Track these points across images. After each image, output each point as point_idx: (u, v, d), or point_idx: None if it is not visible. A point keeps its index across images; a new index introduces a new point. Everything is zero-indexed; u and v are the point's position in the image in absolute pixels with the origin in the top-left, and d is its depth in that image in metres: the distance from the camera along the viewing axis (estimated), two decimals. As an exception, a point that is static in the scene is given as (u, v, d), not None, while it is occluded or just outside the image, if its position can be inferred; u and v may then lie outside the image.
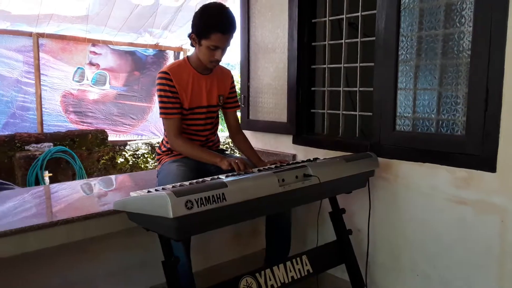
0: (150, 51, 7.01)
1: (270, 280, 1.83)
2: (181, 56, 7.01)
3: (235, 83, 2.48)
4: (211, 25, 2.03)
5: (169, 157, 2.26)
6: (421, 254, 2.10)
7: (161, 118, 2.22)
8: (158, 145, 2.48)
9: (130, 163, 5.98)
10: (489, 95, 1.80)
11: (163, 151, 2.32)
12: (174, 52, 7.28)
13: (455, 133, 1.98)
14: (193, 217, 1.38)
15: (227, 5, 2.14)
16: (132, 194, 1.59)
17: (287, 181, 1.67)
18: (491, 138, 1.80)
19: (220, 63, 2.26)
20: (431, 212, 2.04)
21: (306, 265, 1.97)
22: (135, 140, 6.53)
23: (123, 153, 6.08)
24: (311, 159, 2.12)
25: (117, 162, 5.95)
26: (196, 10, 2.13)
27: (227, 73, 2.40)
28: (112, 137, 6.47)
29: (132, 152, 6.11)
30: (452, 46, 1.95)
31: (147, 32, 6.50)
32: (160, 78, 2.16)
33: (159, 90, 2.16)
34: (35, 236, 1.69)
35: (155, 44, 6.92)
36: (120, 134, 6.71)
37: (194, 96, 2.21)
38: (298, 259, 1.96)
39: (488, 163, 1.82)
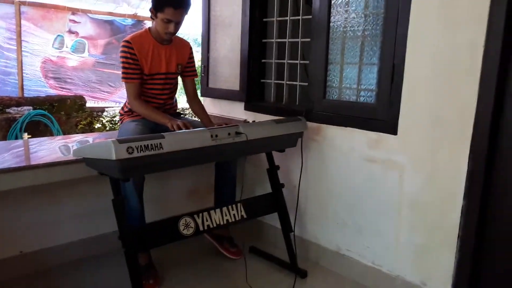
0: (129, 21, 7.21)
1: (207, 221, 2.19)
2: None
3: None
4: (164, 0, 2.30)
5: (130, 117, 2.56)
6: (341, 205, 2.47)
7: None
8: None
9: (107, 128, 6.26)
10: (395, 69, 2.14)
11: (125, 112, 2.61)
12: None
13: (370, 102, 2.33)
14: (133, 161, 1.71)
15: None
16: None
17: (219, 136, 2.01)
18: (394, 106, 2.15)
19: (181, 35, 2.54)
20: (350, 169, 2.41)
21: (241, 211, 2.33)
22: (112, 107, 6.79)
23: (100, 119, 6.35)
24: (248, 121, 2.45)
25: (94, 127, 6.22)
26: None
27: (185, 44, 2.68)
28: (90, 103, 6.74)
29: (109, 118, 6.38)
30: (370, 28, 2.28)
31: (125, 2, 6.70)
32: (122, 46, 2.43)
33: (122, 57, 2.44)
34: (6, 177, 2.01)
35: (133, 14, 7.13)
36: (98, 100, 6.97)
37: (153, 63, 2.48)
38: (234, 205, 2.32)
39: (391, 127, 2.18)
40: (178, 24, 2.40)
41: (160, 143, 1.78)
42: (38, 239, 2.43)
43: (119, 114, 2.72)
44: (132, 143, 1.70)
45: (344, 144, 2.42)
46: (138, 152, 1.71)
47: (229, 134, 2.05)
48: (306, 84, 2.61)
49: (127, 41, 2.42)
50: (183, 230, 2.08)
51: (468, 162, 1.92)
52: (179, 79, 2.72)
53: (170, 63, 2.54)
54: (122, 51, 2.42)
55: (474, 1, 1.83)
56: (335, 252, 2.53)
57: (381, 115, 2.23)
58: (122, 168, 1.71)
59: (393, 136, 2.18)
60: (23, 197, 2.34)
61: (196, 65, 2.76)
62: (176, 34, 2.49)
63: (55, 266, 2.44)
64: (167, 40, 2.48)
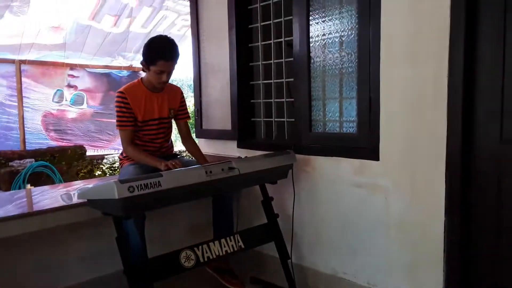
0: (124, 72, 7.56)
1: (206, 252, 2.31)
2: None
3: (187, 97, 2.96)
4: (156, 54, 2.50)
5: (129, 161, 2.73)
6: (334, 230, 2.60)
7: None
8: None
9: (108, 175, 6.42)
10: (372, 101, 2.33)
11: (124, 157, 2.78)
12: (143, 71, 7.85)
13: (351, 132, 2.51)
14: (135, 199, 1.86)
15: (172, 36, 2.65)
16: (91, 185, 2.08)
17: (213, 172, 2.17)
18: (374, 134, 2.33)
19: (171, 81, 2.74)
20: (339, 195, 2.55)
21: (239, 242, 2.45)
22: (112, 154, 7.00)
23: (100, 166, 6.53)
24: (241, 157, 2.62)
25: (95, 174, 6.39)
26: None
27: (176, 90, 2.88)
28: (90, 152, 6.96)
29: (109, 165, 6.55)
30: (347, 66, 2.49)
31: (120, 56, 7.07)
32: (117, 96, 2.63)
33: (116, 106, 2.63)
34: (15, 223, 2.14)
35: (128, 66, 7.47)
36: (98, 149, 7.19)
37: (147, 111, 2.66)
38: (232, 237, 2.44)
39: (373, 153, 2.35)
40: (170, 74, 2.60)
41: (159, 181, 1.93)
42: (44, 282, 2.52)
43: (119, 159, 2.88)
44: (132, 182, 1.86)
45: (331, 172, 2.58)
46: (138, 190, 1.86)
47: (222, 169, 2.21)
48: (293, 120, 2.80)
49: (121, 92, 2.61)
50: (184, 262, 2.20)
51: (446, 181, 2.08)
52: (174, 122, 2.90)
53: (162, 108, 2.72)
54: (117, 101, 2.61)
55: (435, 39, 2.05)
56: (332, 275, 2.63)
57: (363, 143, 2.41)
58: (124, 206, 1.86)
59: (375, 162, 2.35)
60: (28, 242, 2.46)
61: (191, 109, 2.96)
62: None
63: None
64: (159, 88, 2.67)
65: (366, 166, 2.40)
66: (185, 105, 2.91)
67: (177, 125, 2.92)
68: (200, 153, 2.84)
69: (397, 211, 2.28)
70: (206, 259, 2.29)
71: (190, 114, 2.97)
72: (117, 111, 2.61)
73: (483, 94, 1.98)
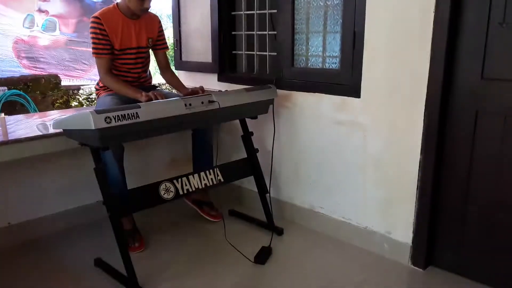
0: (99, -2, 7.16)
1: (186, 185, 2.32)
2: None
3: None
4: None
5: (105, 91, 2.64)
6: (312, 166, 2.64)
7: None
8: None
9: (84, 106, 6.29)
10: (356, 37, 2.28)
11: (101, 87, 2.69)
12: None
13: (334, 68, 2.47)
14: (111, 130, 1.82)
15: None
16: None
17: (193, 105, 2.13)
18: (356, 70, 2.30)
19: (153, 11, 2.61)
20: (319, 132, 2.57)
21: (218, 175, 2.47)
22: (88, 84, 6.80)
23: (77, 97, 6.37)
24: (221, 90, 2.58)
25: (71, 105, 6.24)
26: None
27: (154, 18, 2.74)
28: (65, 82, 6.73)
29: (86, 96, 6.39)
30: (332, 0, 2.40)
31: (95, -22, 6.64)
32: (92, 22, 2.48)
33: (91, 33, 2.49)
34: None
35: (104, -10, 7.06)
36: (73, 79, 6.95)
37: (124, 39, 2.54)
38: (211, 170, 2.45)
39: (355, 91, 2.33)
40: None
41: (137, 113, 1.89)
42: (25, 211, 2.54)
43: (95, 90, 2.80)
44: (109, 113, 1.81)
45: (312, 109, 2.57)
46: (115, 121, 1.82)
47: (202, 102, 2.17)
48: (276, 53, 2.73)
49: (96, 17, 2.47)
50: (163, 194, 2.22)
51: (424, 120, 2.10)
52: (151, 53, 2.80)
53: (140, 37, 2.60)
54: (92, 27, 2.48)
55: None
56: (309, 210, 2.71)
57: (345, 80, 2.38)
58: (101, 137, 1.82)
59: (356, 99, 2.34)
60: (7, 172, 2.44)
61: (170, 40, 2.84)
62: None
63: (42, 237, 2.57)
64: (138, 15, 2.54)
65: (347, 103, 2.39)
66: (163, 34, 2.80)
67: (155, 56, 2.82)
68: (180, 83, 2.77)
69: (375, 149, 2.32)
70: (185, 192, 2.31)
71: (169, 45, 2.86)
72: (93, 38, 2.48)
73: (468, 31, 1.95)
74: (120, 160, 2.41)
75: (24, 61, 6.56)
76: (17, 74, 6.35)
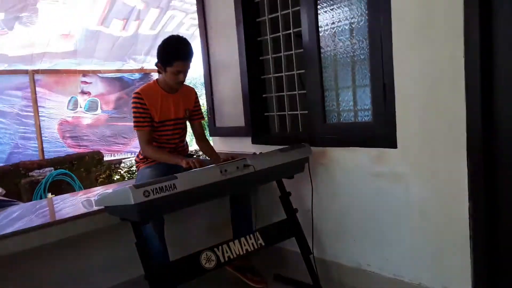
0: (136, 75, 7.59)
1: (227, 252, 2.28)
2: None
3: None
4: (172, 55, 2.49)
5: (145, 164, 2.72)
6: (355, 222, 2.55)
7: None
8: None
9: (126, 179, 6.46)
10: (386, 88, 2.27)
11: (140, 159, 2.78)
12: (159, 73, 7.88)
13: (367, 121, 2.45)
14: (150, 203, 1.84)
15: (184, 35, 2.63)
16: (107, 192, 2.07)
17: (229, 171, 2.14)
18: (390, 121, 2.27)
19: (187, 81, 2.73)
20: (358, 186, 2.50)
21: (259, 239, 2.42)
22: (128, 157, 7.05)
23: (118, 170, 6.58)
24: (256, 153, 2.59)
25: (113, 179, 6.43)
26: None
27: (190, 90, 2.86)
28: (107, 157, 7.03)
29: (127, 169, 6.60)
30: (358, 53, 2.43)
31: (131, 59, 7.10)
32: (133, 97, 2.62)
33: (133, 107, 2.62)
34: (37, 234, 2.16)
35: (140, 68, 7.50)
36: (115, 153, 7.25)
37: (163, 111, 2.65)
38: (251, 235, 2.41)
39: (390, 141, 2.28)
40: (186, 73, 2.60)
41: (174, 184, 1.91)
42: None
43: (135, 162, 2.88)
44: (147, 187, 1.84)
45: (349, 163, 2.52)
46: (154, 194, 1.84)
47: (237, 167, 2.18)
48: (307, 112, 2.75)
49: (137, 93, 2.61)
50: (205, 264, 2.18)
51: (467, 164, 2.01)
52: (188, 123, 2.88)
53: (178, 109, 2.71)
54: (133, 102, 2.61)
55: (448, 18, 1.97)
56: (356, 268, 2.58)
57: (379, 132, 2.34)
58: (140, 211, 1.84)
59: (393, 149, 2.28)
60: (52, 252, 2.48)
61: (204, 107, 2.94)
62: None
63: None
64: (176, 88, 2.66)
65: (384, 155, 2.34)
66: (199, 105, 2.90)
67: (192, 126, 2.91)
68: (214, 152, 2.82)
69: (419, 198, 2.22)
70: (226, 259, 2.26)
71: (204, 114, 2.95)
72: (134, 112, 2.61)
73: (502, 71, 1.90)
74: (161, 233, 2.41)
75: (69, 141, 6.94)
76: (62, 154, 6.69)
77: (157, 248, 2.38)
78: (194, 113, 2.84)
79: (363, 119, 2.48)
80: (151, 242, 2.36)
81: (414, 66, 2.13)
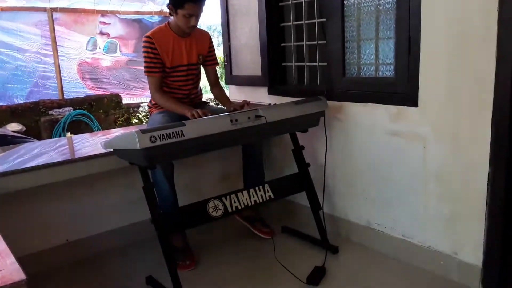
0: (156, 18, 7.41)
1: (234, 202, 2.27)
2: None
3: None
4: None
5: (157, 109, 2.68)
6: (368, 180, 2.49)
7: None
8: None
9: (144, 123, 6.49)
10: (411, 41, 2.12)
11: (153, 105, 2.73)
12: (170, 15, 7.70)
13: (389, 76, 2.32)
14: (157, 149, 1.81)
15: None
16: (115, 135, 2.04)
17: (239, 120, 2.07)
18: (413, 78, 2.14)
19: (199, 26, 2.62)
20: (374, 144, 2.42)
21: (268, 191, 2.39)
22: (147, 102, 7.03)
23: (137, 114, 6.59)
24: (271, 104, 2.50)
25: (132, 122, 6.47)
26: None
27: (205, 34, 2.75)
28: (126, 100, 7.03)
29: (145, 113, 6.60)
30: (384, 2, 2.26)
31: (150, 0, 6.89)
32: (144, 41, 2.54)
33: (144, 52, 2.55)
34: (48, 172, 2.18)
35: (159, 11, 7.30)
36: (134, 97, 7.24)
37: (175, 56, 2.56)
38: (260, 186, 2.38)
39: (412, 100, 2.17)
40: (198, 17, 2.48)
41: (181, 131, 1.86)
42: (82, 228, 2.60)
43: (148, 107, 2.84)
44: (154, 132, 1.80)
45: (366, 120, 2.43)
46: (160, 140, 1.80)
47: (248, 117, 2.11)
48: (326, 64, 2.62)
49: (148, 37, 2.52)
50: (212, 212, 2.17)
51: (491, 129, 1.89)
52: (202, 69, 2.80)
53: (191, 54, 2.62)
54: (144, 46, 2.53)
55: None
56: (365, 226, 2.55)
57: (401, 89, 2.22)
58: (146, 156, 1.82)
59: (414, 108, 2.17)
60: (66, 190, 2.52)
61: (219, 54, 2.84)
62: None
63: (98, 253, 2.61)
64: (188, 33, 2.56)
65: (403, 113, 2.23)
66: (214, 50, 2.80)
67: (205, 72, 2.83)
68: (225, 98, 2.75)
69: (436, 161, 2.13)
70: (234, 209, 2.26)
71: (218, 60, 2.85)
72: (145, 57, 2.54)
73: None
74: (170, 178, 2.40)
75: (88, 82, 6.94)
76: (81, 95, 6.72)
77: (166, 192, 2.39)
78: (207, 59, 2.75)
79: (384, 74, 2.35)
80: (160, 186, 2.36)
81: (442, 19, 1.97)
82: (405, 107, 2.22)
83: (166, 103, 2.52)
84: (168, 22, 2.61)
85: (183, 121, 1.94)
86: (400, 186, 2.33)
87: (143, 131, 1.78)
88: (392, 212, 2.39)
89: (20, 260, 0.98)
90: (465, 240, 2.09)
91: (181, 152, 1.99)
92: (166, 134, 1.82)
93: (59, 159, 2.26)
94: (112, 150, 2.15)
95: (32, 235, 2.42)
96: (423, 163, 2.19)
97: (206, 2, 2.51)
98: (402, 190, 2.32)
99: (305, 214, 2.78)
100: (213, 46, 2.79)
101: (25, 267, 0.93)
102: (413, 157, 2.23)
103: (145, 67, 2.55)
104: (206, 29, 2.91)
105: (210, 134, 1.97)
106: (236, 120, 2.07)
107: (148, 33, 2.57)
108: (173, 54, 2.55)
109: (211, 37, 2.82)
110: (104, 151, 2.34)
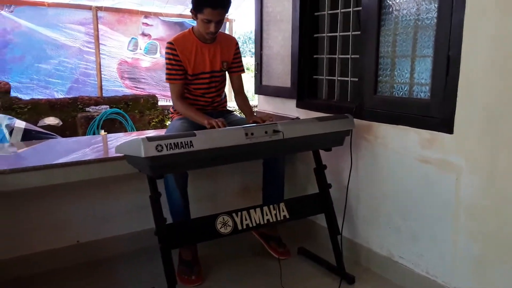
0: (198, 22, 7.44)
1: (246, 220, 2.14)
2: (227, 25, 7.35)
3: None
4: (203, 1, 2.28)
5: (178, 115, 2.60)
6: (394, 208, 2.30)
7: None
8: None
9: (178, 126, 6.50)
10: (450, 61, 1.93)
11: (174, 110, 2.66)
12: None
13: (423, 98, 2.13)
14: (163, 158, 1.71)
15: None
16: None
17: (255, 134, 1.95)
18: (449, 101, 1.94)
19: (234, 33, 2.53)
20: (403, 170, 2.22)
21: (283, 211, 2.25)
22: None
23: (171, 116, 6.60)
24: (299, 118, 2.36)
25: (165, 124, 6.49)
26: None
27: (231, 40, 2.65)
28: (162, 101, 7.07)
29: (179, 116, 6.60)
30: (423, 17, 2.08)
31: (193, 4, 6.93)
32: (166, 48, 2.47)
33: (166, 58, 2.48)
34: (61, 171, 2.13)
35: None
36: (169, 99, 7.25)
37: (197, 64, 2.48)
38: (275, 205, 2.24)
39: (447, 125, 1.97)
40: (218, 24, 2.37)
41: (191, 141, 1.76)
42: (93, 231, 2.56)
43: (169, 113, 2.78)
44: (161, 141, 1.71)
45: (396, 143, 2.24)
46: (167, 149, 1.71)
47: (266, 132, 1.99)
48: (357, 79, 2.46)
49: (170, 43, 2.45)
50: (220, 228, 2.06)
51: (535, 165, 1.68)
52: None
53: (214, 61, 2.53)
54: (166, 53, 2.47)
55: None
56: (387, 258, 2.36)
57: (435, 112, 2.03)
58: (151, 166, 1.73)
59: (448, 135, 1.97)
60: (80, 191, 2.48)
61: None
62: (230, 33, 2.48)
63: (107, 257, 2.56)
64: (209, 39, 2.47)
65: (436, 139, 2.04)
66: (240, 57, 2.70)
67: (230, 78, 2.73)
68: (249, 109, 2.61)
69: (469, 194, 1.92)
70: (244, 227, 2.13)
71: (245, 67, 2.74)
72: (166, 63, 2.48)
73: None
74: (182, 187, 2.31)
75: (127, 82, 7.04)
76: (119, 94, 6.81)
77: (177, 202, 2.30)
78: (233, 65, 2.64)
79: (419, 95, 2.17)
80: (172, 195, 2.28)
81: (486, 39, 1.77)
82: (439, 132, 2.02)
83: (186, 111, 2.45)
84: (192, 27, 2.53)
85: (194, 131, 1.84)
86: (428, 218, 2.12)
87: (149, 139, 1.70)
88: (417, 246, 2.19)
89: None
90: (496, 286, 1.86)
91: (189, 163, 1.89)
92: (174, 143, 1.73)
93: (93, 156, 2.26)
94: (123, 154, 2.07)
95: (44, 233, 2.41)
96: (454, 195, 1.99)
97: (228, 10, 2.41)
98: (430, 222, 2.12)
99: (325, 236, 2.60)
100: (239, 52, 2.68)
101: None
102: (444, 187, 2.03)
103: (166, 73, 2.49)
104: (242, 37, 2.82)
105: (222, 146, 1.85)
106: (252, 134, 1.94)
107: (170, 39, 2.51)
108: (195, 61, 2.47)
109: (237, 42, 2.72)
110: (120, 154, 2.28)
